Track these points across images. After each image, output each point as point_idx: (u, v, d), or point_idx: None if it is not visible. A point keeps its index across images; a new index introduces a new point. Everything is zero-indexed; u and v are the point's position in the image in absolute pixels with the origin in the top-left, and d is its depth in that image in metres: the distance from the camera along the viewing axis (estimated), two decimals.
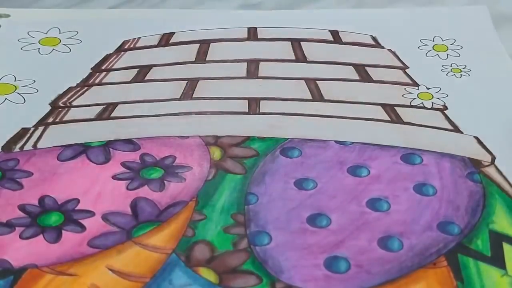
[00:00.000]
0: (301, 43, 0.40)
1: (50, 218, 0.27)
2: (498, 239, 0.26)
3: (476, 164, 0.30)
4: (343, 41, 0.40)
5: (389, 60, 0.39)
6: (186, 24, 0.42)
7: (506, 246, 0.26)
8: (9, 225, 0.26)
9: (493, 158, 0.31)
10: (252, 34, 0.41)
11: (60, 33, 0.41)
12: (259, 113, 0.34)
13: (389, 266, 0.25)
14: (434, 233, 0.26)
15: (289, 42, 0.40)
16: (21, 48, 0.40)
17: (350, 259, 0.25)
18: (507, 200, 0.28)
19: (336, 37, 0.41)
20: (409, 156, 0.31)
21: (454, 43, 0.40)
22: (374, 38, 0.40)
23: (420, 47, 0.40)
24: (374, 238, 0.26)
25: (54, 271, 0.24)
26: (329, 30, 0.41)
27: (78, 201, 0.28)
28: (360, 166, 0.30)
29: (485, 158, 0.31)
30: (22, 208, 0.27)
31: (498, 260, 0.25)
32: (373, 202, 0.28)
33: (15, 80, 0.37)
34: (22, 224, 0.27)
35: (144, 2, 0.47)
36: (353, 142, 0.31)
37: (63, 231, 0.26)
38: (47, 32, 0.41)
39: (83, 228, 0.26)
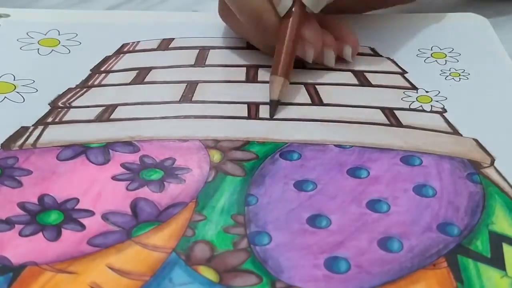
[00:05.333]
0: None
1: (49, 216, 0.27)
2: (498, 240, 0.26)
3: (475, 165, 0.30)
4: None
5: (388, 66, 0.39)
6: (185, 27, 0.42)
7: (506, 247, 0.26)
8: (9, 222, 0.26)
9: (493, 160, 0.31)
10: (251, 46, 0.41)
11: (59, 34, 0.41)
12: (259, 118, 0.34)
13: (389, 267, 0.25)
14: (434, 234, 0.26)
15: None
16: (20, 48, 0.40)
17: (350, 260, 0.25)
18: (507, 201, 0.28)
19: None
20: (408, 157, 0.31)
21: (453, 51, 0.40)
22: (372, 49, 0.41)
23: (418, 55, 0.40)
24: (374, 238, 0.26)
25: (54, 269, 0.24)
26: None
27: (77, 200, 0.28)
28: (360, 167, 0.30)
29: (485, 160, 0.31)
30: (21, 206, 0.27)
31: (498, 261, 0.25)
32: (373, 203, 0.28)
33: (14, 80, 0.37)
34: (21, 222, 0.26)
35: (143, 2, 0.47)
36: (352, 146, 0.31)
37: (62, 230, 0.26)
38: (46, 33, 0.41)
39: (82, 227, 0.26)
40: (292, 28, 0.35)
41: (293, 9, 0.35)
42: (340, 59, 0.38)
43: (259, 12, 0.35)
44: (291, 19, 0.35)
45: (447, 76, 0.37)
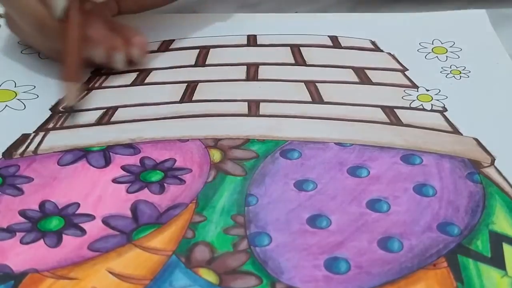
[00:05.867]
0: (300, 48, 0.40)
1: (50, 222, 0.27)
2: (498, 239, 0.26)
3: (476, 165, 0.30)
4: (342, 45, 0.40)
5: (388, 63, 0.39)
6: (185, 28, 0.42)
7: (506, 247, 0.26)
8: (10, 231, 0.26)
9: (493, 159, 0.31)
10: (252, 41, 0.41)
11: None
12: (259, 115, 0.34)
13: (389, 267, 0.25)
14: (434, 234, 0.26)
15: (289, 47, 0.40)
16: (21, 52, 0.40)
17: (350, 260, 0.25)
18: (507, 201, 0.28)
19: (335, 42, 0.41)
20: (409, 156, 0.31)
21: (453, 46, 0.40)
22: (373, 43, 0.40)
23: (419, 50, 0.40)
24: (374, 239, 0.26)
25: (55, 275, 0.24)
26: (328, 36, 0.41)
27: (78, 205, 0.28)
28: (360, 166, 0.30)
29: (485, 159, 0.31)
30: (22, 213, 0.27)
31: (498, 261, 0.25)
32: (373, 203, 0.28)
33: (15, 86, 0.37)
34: (22, 229, 0.27)
35: None
36: (352, 144, 0.31)
37: (63, 235, 0.26)
38: None
39: (83, 232, 0.26)
40: (72, 29, 0.34)
41: (71, 12, 0.34)
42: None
43: (40, 18, 0.34)
44: (70, 21, 0.34)
45: (448, 74, 0.37)
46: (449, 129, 0.33)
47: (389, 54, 0.39)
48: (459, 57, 0.39)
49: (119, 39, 0.36)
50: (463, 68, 0.38)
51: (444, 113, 0.34)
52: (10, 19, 0.38)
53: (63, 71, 0.34)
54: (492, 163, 0.30)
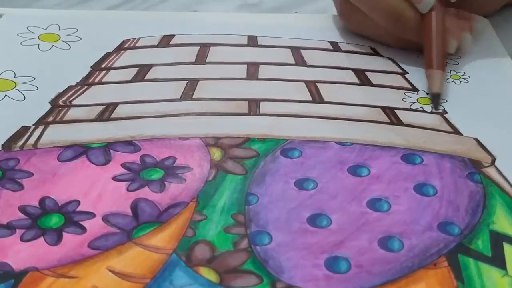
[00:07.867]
0: (301, 50, 0.40)
1: (50, 220, 0.27)
2: (498, 239, 0.26)
3: (476, 164, 0.30)
4: (343, 50, 0.41)
5: (388, 66, 0.39)
6: (186, 26, 0.42)
7: (506, 247, 0.26)
8: (10, 227, 0.26)
9: (493, 159, 0.31)
10: (252, 43, 0.41)
11: (59, 29, 0.41)
12: (259, 114, 0.34)
13: (389, 266, 0.25)
14: (434, 234, 0.26)
15: (289, 49, 0.40)
16: (21, 43, 0.40)
17: (350, 259, 0.25)
18: (508, 201, 0.28)
19: (335, 47, 0.41)
20: (409, 156, 0.31)
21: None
22: (373, 48, 0.41)
23: (419, 56, 0.39)
24: (374, 238, 0.26)
25: (55, 274, 0.24)
26: (329, 42, 0.41)
27: (78, 202, 0.28)
28: (361, 166, 0.30)
29: (485, 159, 0.31)
30: (22, 209, 0.27)
31: (498, 261, 0.25)
32: (374, 202, 0.28)
33: (14, 76, 0.36)
34: (22, 226, 0.26)
35: (143, 2, 0.47)
36: (353, 143, 0.31)
37: (63, 233, 0.26)
38: (46, 28, 0.41)
39: (83, 229, 0.26)
40: (438, 22, 0.37)
41: (434, 4, 0.37)
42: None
43: (398, 10, 0.37)
44: (434, 13, 0.37)
45: (447, 78, 0.37)
46: (450, 129, 0.33)
47: (389, 58, 0.40)
48: (458, 63, 0.39)
49: (466, 23, 0.39)
50: (463, 73, 0.38)
51: (444, 115, 0.34)
52: (346, 8, 0.40)
53: (427, 60, 0.37)
54: (493, 163, 0.30)
